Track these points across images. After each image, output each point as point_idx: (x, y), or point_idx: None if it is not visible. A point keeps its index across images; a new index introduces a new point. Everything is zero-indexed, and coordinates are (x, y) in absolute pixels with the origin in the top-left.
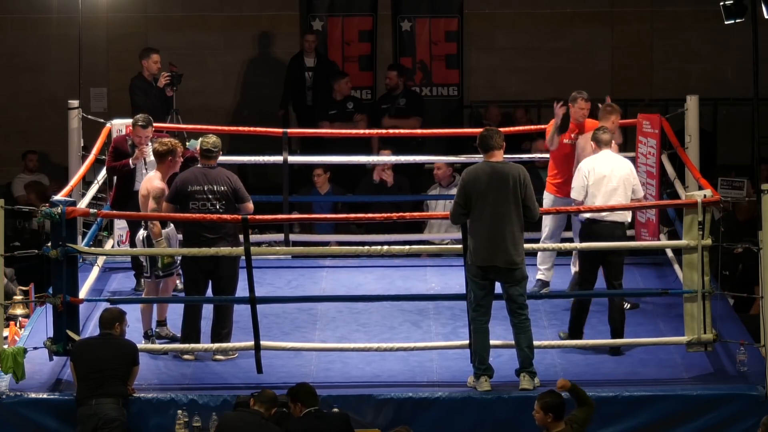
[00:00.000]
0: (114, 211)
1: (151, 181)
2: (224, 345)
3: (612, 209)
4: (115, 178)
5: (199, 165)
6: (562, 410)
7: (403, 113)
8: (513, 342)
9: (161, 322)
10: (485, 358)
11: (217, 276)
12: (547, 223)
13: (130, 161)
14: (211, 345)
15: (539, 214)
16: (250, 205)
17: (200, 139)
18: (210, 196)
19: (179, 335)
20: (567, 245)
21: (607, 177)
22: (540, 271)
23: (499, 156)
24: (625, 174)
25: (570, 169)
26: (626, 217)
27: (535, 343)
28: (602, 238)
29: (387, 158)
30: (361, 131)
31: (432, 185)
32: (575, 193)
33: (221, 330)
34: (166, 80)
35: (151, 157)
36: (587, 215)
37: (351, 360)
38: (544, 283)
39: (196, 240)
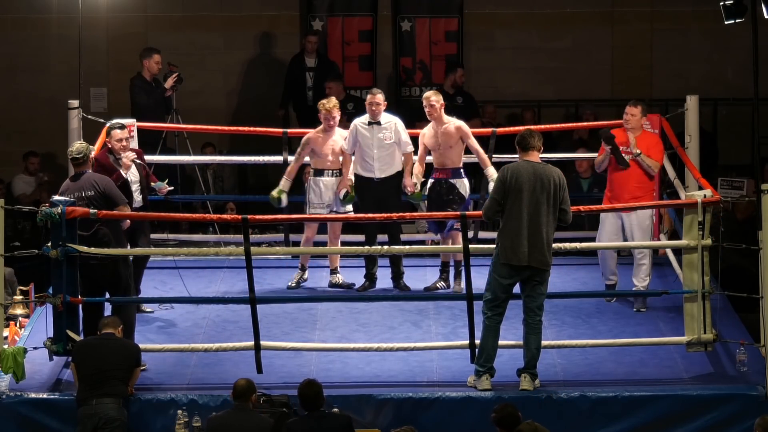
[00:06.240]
0: (114, 211)
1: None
2: (225, 345)
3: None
4: None
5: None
6: (516, 421)
7: (462, 112)
8: (511, 342)
9: (334, 270)
10: (492, 357)
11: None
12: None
13: (122, 173)
14: (211, 345)
15: (572, 218)
16: (125, 208)
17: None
18: (81, 203)
19: (350, 282)
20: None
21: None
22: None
23: (536, 156)
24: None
25: (620, 184)
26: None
27: None
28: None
29: None
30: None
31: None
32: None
33: None
34: (174, 81)
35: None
36: (363, 174)
37: (351, 360)
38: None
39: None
